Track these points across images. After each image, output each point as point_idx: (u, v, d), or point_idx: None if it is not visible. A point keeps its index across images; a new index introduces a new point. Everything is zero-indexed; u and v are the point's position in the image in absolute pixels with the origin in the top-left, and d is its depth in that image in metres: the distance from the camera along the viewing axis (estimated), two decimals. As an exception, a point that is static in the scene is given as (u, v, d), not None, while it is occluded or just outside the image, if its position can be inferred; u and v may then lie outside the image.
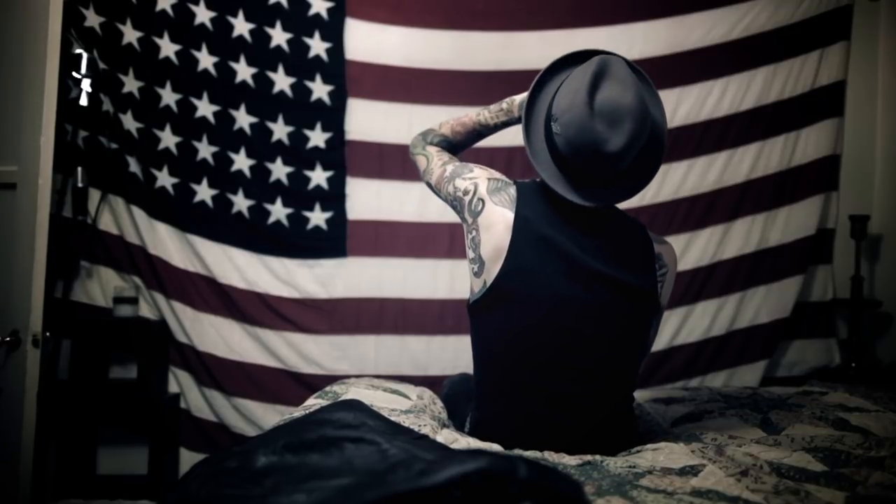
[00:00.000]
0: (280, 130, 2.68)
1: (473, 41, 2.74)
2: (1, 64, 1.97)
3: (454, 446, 1.35)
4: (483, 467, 0.75)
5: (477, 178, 1.50)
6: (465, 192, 1.50)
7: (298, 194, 2.69)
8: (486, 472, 0.74)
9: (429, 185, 1.65)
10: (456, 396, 1.84)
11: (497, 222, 1.41)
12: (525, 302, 1.39)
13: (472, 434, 1.54)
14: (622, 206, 1.50)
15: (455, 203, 1.55)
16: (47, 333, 1.95)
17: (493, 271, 1.40)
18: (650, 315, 1.46)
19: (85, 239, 2.59)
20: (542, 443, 1.41)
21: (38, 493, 2.25)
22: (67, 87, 2.48)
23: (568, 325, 1.38)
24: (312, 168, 2.70)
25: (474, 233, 1.46)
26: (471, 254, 1.47)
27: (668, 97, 2.76)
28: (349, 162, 2.72)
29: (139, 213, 2.62)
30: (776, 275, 2.80)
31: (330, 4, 2.68)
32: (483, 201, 1.45)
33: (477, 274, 1.45)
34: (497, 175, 1.52)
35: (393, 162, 2.72)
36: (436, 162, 1.64)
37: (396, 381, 2.04)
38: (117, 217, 2.64)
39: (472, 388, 1.61)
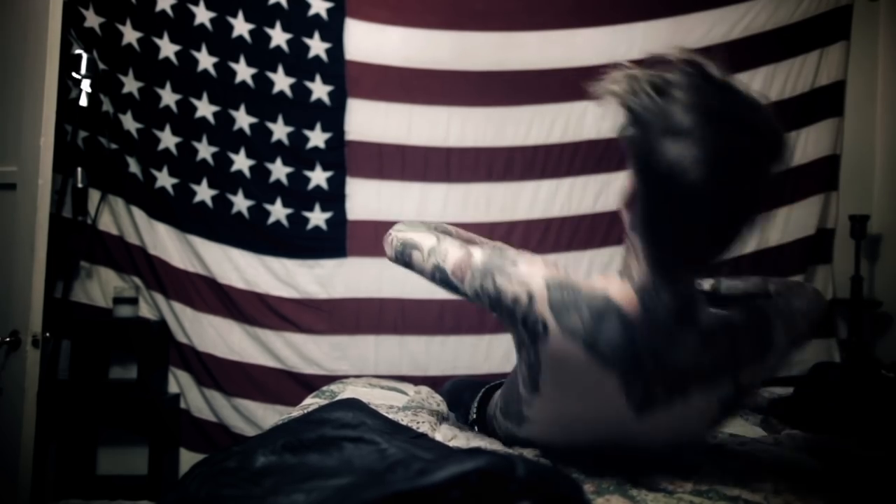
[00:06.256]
0: (280, 131, 2.68)
1: (473, 41, 2.74)
2: (1, 64, 1.97)
3: (453, 443, 1.35)
4: (482, 466, 0.75)
5: (529, 281, 1.09)
6: (515, 301, 1.10)
7: (298, 194, 2.69)
8: (484, 471, 0.74)
9: (435, 271, 1.22)
10: (460, 391, 1.83)
11: (568, 359, 1.06)
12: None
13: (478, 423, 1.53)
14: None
15: (492, 304, 1.14)
16: (47, 334, 1.95)
17: (549, 405, 1.16)
18: None
19: (85, 239, 2.58)
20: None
21: (38, 493, 2.25)
22: (67, 87, 2.48)
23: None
24: (312, 168, 2.70)
25: (533, 358, 1.12)
26: (523, 369, 1.16)
27: (667, 97, 2.78)
28: (349, 162, 2.72)
29: (139, 214, 2.62)
30: (776, 275, 2.77)
31: (330, 5, 2.68)
32: (546, 325, 1.07)
33: (530, 390, 1.16)
34: (555, 271, 1.10)
35: (392, 162, 2.72)
36: (449, 242, 1.23)
37: (396, 381, 2.05)
38: (117, 217, 2.64)
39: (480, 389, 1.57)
